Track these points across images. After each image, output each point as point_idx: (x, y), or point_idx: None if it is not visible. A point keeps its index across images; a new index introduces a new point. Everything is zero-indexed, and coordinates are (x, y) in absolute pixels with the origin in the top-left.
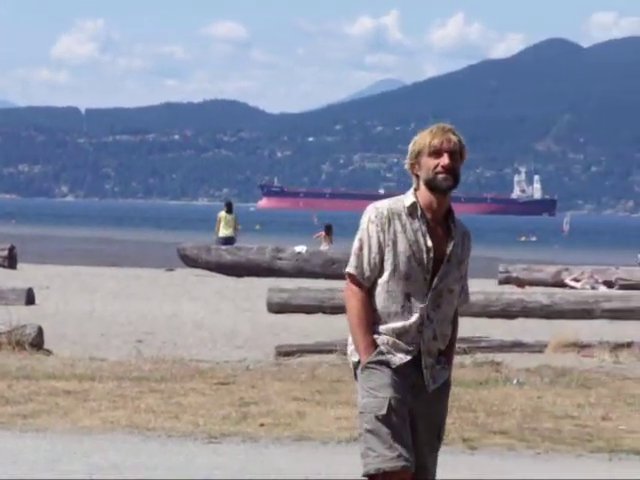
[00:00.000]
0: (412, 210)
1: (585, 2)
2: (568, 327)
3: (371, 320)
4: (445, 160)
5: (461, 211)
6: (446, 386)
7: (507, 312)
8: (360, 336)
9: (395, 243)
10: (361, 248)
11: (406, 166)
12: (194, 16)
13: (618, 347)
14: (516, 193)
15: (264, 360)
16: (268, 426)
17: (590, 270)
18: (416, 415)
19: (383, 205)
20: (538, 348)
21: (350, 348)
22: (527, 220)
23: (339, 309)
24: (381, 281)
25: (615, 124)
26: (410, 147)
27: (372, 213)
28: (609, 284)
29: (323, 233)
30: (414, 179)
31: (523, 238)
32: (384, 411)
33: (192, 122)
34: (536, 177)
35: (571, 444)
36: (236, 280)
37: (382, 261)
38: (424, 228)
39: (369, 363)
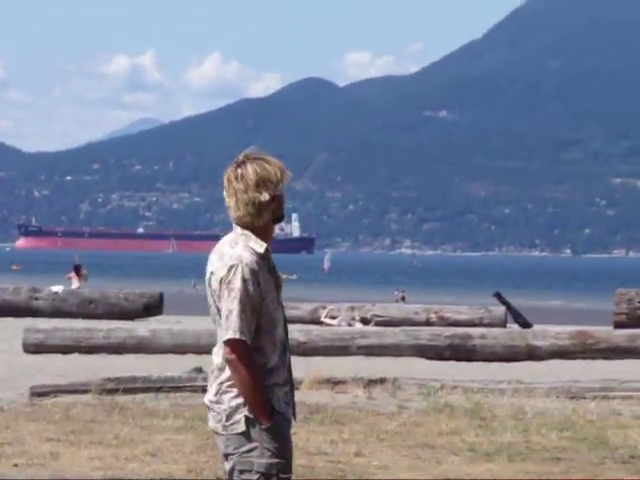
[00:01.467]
0: (265, 255)
1: (340, 42)
2: (324, 364)
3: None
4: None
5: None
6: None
7: None
8: (263, 403)
9: (267, 293)
10: (244, 310)
11: (230, 203)
12: None
13: (371, 383)
14: (275, 232)
15: (18, 401)
16: (21, 466)
17: (346, 307)
18: None
19: (249, 259)
20: (295, 385)
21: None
22: (286, 258)
23: (95, 349)
24: (259, 334)
25: (371, 163)
26: (264, 187)
27: (244, 271)
28: (365, 321)
29: (73, 273)
30: (250, 221)
31: (285, 276)
32: (290, 474)
33: None
34: (294, 215)
35: None
36: None
37: (258, 316)
38: (274, 265)
39: (274, 424)
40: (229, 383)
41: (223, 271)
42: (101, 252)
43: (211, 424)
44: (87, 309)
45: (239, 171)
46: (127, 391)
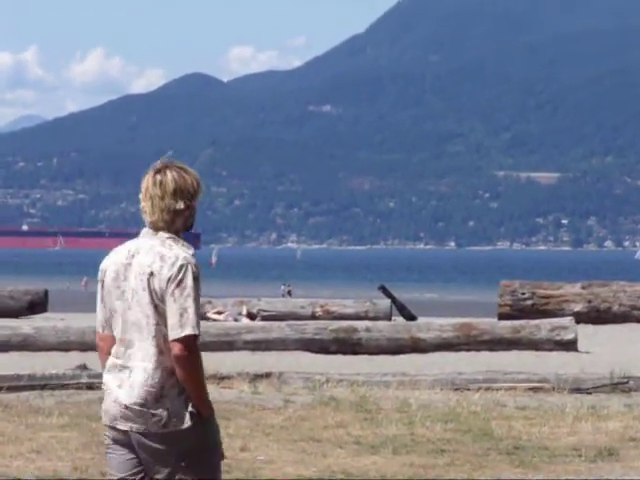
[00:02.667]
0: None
1: (223, 37)
2: (210, 359)
3: None
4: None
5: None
6: None
7: None
8: (207, 394)
9: None
10: (197, 307)
11: (180, 207)
12: None
13: (257, 378)
14: None
15: None
16: None
17: (232, 302)
18: None
19: (193, 260)
20: None
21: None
22: None
23: None
24: None
25: (256, 158)
26: (195, 193)
27: (194, 270)
28: (251, 316)
29: None
30: (181, 227)
31: None
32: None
33: None
34: None
35: None
36: None
37: None
38: None
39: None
40: (170, 383)
41: (171, 271)
42: None
43: (137, 427)
44: None
45: (158, 177)
46: (11, 389)
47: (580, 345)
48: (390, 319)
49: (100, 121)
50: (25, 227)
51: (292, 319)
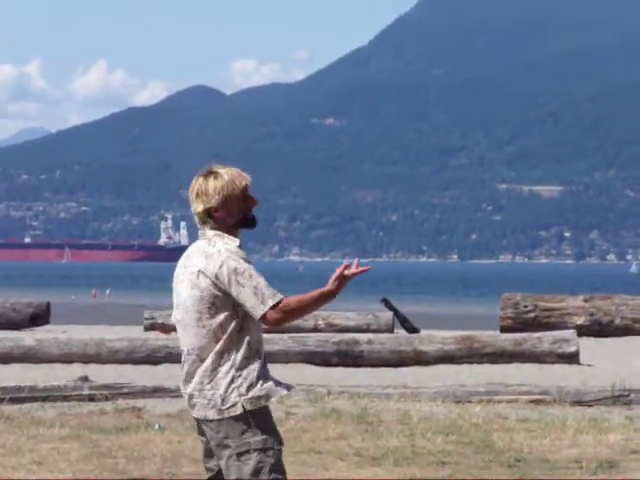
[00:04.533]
0: (241, 248)
1: (226, 50)
2: None
3: None
4: (254, 199)
5: (109, 259)
6: None
7: (152, 358)
8: (320, 293)
9: None
10: (263, 280)
11: (202, 209)
12: None
13: None
14: (163, 240)
15: None
16: None
17: None
18: None
19: (231, 249)
20: (179, 393)
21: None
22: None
23: None
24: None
25: (259, 170)
26: (216, 193)
27: (239, 254)
28: None
29: None
30: (208, 226)
31: None
32: (282, 445)
33: None
34: (183, 223)
35: None
36: None
37: None
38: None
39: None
40: (225, 369)
41: (218, 264)
42: None
43: (199, 413)
44: None
45: (204, 181)
46: (13, 400)
47: (582, 358)
48: (392, 332)
49: (103, 134)
50: (28, 239)
51: (294, 331)
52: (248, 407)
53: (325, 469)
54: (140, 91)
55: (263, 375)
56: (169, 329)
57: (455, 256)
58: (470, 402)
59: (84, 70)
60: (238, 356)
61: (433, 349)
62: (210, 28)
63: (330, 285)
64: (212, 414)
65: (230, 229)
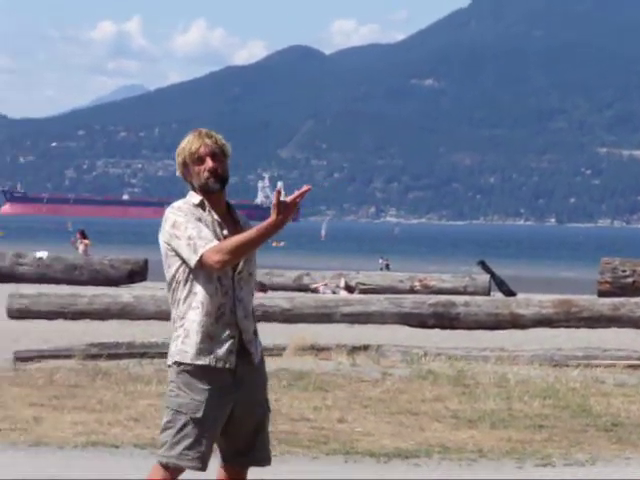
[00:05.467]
0: (202, 206)
1: (326, 9)
2: (308, 331)
3: None
4: (209, 164)
5: None
6: (263, 356)
7: None
8: (257, 231)
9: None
10: (190, 237)
11: (178, 174)
12: None
13: (355, 350)
14: (260, 199)
15: (2, 366)
16: (5, 431)
17: (331, 275)
18: (242, 393)
19: (179, 205)
20: (277, 351)
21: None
22: None
23: (80, 314)
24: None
25: (357, 131)
26: (176, 158)
27: (176, 213)
28: (350, 288)
29: (79, 237)
30: (189, 185)
31: (274, 244)
32: (200, 414)
33: None
34: (280, 183)
35: (307, 446)
36: None
37: None
38: (217, 219)
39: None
40: (175, 319)
41: (164, 220)
42: (86, 218)
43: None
44: (72, 275)
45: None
46: (111, 357)
47: None
48: (489, 294)
49: (202, 92)
50: (126, 196)
51: (390, 293)
52: (176, 359)
53: (422, 430)
54: (239, 50)
55: (205, 333)
56: (266, 287)
57: (553, 220)
58: (567, 366)
59: (184, 28)
60: (183, 308)
61: (530, 312)
62: None
63: (272, 216)
64: (168, 361)
65: (199, 191)
